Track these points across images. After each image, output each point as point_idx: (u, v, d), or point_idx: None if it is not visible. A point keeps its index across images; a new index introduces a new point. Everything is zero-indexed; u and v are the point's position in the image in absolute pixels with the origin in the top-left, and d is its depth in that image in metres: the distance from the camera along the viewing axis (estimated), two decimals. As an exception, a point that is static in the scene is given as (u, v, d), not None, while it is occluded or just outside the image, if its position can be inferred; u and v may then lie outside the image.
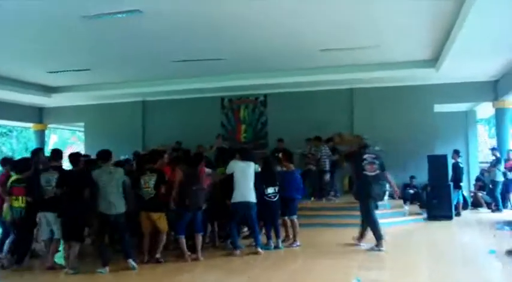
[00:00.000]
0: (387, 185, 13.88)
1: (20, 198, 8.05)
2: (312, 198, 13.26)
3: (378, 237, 8.99)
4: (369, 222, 9.19)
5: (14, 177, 8.28)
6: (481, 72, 14.06)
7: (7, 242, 8.41)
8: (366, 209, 9.20)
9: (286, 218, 9.72)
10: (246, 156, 9.17)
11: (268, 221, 9.42)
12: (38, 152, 9.40)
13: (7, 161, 9.26)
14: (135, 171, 9.21)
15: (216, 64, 13.02)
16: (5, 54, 11.73)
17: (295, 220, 9.73)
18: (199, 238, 8.52)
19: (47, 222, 7.93)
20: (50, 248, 8.08)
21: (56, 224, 7.86)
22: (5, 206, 8.26)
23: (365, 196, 9.24)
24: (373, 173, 9.21)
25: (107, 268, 7.60)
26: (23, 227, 8.15)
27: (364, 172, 9.20)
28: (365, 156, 9.34)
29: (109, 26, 9.67)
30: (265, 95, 16.95)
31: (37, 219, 8.02)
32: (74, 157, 8.31)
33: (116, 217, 7.76)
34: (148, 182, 8.22)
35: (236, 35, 10.64)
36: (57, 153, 8.48)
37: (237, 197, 8.82)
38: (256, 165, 9.41)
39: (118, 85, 15.74)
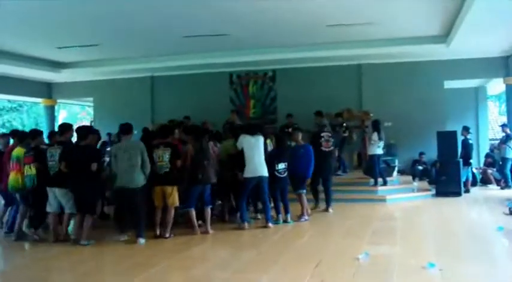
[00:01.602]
0: (396, 161, 14.05)
1: (31, 166, 8.16)
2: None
3: (329, 202, 10.65)
4: (326, 189, 10.74)
5: (24, 150, 8.39)
6: (492, 47, 13.92)
7: (18, 215, 8.56)
8: (326, 178, 10.63)
9: (296, 192, 9.79)
10: (254, 131, 9.20)
11: (278, 196, 9.48)
12: (53, 134, 9.47)
13: (15, 134, 9.38)
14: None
15: (224, 40, 12.97)
16: (14, 30, 11.72)
17: (303, 195, 9.80)
18: (208, 211, 8.61)
19: (54, 197, 8.03)
20: (53, 220, 8.19)
21: (65, 198, 7.94)
22: (12, 176, 8.36)
23: (322, 169, 10.33)
24: (328, 149, 10.64)
25: (125, 235, 7.90)
26: (34, 195, 8.25)
27: (321, 148, 10.47)
28: (322, 134, 10.65)
29: (115, 2, 9.65)
30: (274, 71, 16.91)
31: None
32: (81, 131, 8.35)
33: (128, 192, 7.79)
34: (163, 156, 8.18)
35: (241, 10, 10.59)
36: (62, 128, 8.48)
37: (249, 172, 8.88)
38: (268, 140, 9.74)
39: (127, 60, 15.75)
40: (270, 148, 9.80)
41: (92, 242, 7.82)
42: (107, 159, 9.46)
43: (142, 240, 7.78)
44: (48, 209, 8.15)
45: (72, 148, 8.10)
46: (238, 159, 9.05)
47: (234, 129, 10.11)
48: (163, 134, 8.61)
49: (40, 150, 8.28)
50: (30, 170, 8.18)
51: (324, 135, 10.68)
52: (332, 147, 10.79)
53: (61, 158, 7.87)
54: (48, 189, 8.05)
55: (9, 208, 9.10)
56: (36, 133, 8.78)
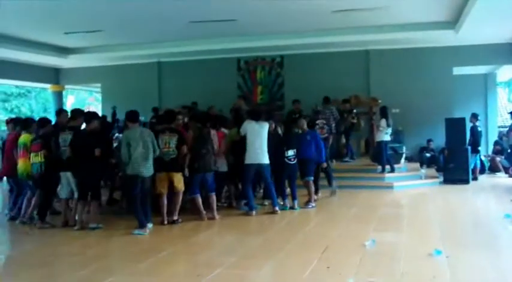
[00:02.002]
0: (403, 148, 14.00)
1: (39, 153, 8.15)
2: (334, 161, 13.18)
3: (332, 183, 10.78)
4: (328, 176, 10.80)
5: (30, 136, 8.43)
6: (503, 34, 13.73)
7: (25, 199, 8.61)
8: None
9: (303, 179, 9.79)
10: (259, 117, 9.18)
11: (285, 182, 9.49)
12: (60, 112, 9.53)
13: (17, 122, 9.42)
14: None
15: (232, 25, 12.89)
16: (21, 15, 11.70)
17: (311, 182, 9.78)
18: (213, 197, 8.63)
19: (68, 182, 8.08)
20: (64, 205, 8.32)
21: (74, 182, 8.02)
22: (21, 163, 8.42)
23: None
24: (323, 136, 10.75)
25: (146, 229, 7.63)
26: (42, 183, 8.28)
27: None
28: (317, 121, 10.82)
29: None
30: (281, 56, 16.84)
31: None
32: (87, 116, 8.36)
33: (144, 181, 7.72)
34: (169, 142, 8.08)
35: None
36: (74, 113, 8.54)
37: (249, 158, 8.89)
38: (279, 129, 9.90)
39: (133, 46, 15.68)
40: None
41: (100, 226, 7.88)
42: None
43: (150, 225, 7.78)
44: (61, 194, 8.25)
45: (79, 133, 8.14)
46: (242, 145, 9.03)
47: (239, 116, 10.07)
48: (168, 119, 8.55)
49: (48, 138, 8.32)
50: (37, 158, 8.18)
51: (319, 123, 10.85)
52: (327, 134, 10.99)
53: (70, 143, 7.95)
54: (61, 174, 8.12)
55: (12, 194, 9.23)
56: (45, 121, 8.78)
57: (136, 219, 7.66)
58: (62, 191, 8.22)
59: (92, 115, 8.51)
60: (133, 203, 7.81)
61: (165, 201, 8.16)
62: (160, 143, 8.03)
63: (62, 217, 8.32)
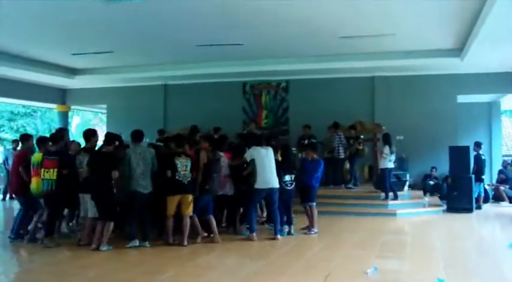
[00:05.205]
0: (407, 175, 13.96)
1: (51, 170, 8.18)
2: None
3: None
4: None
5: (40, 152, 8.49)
6: (507, 62, 13.78)
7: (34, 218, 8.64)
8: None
9: (306, 204, 9.75)
10: (261, 143, 9.25)
11: (282, 208, 9.47)
12: (63, 132, 9.61)
13: (28, 138, 9.35)
14: (165, 153, 8.97)
15: (238, 49, 13.02)
16: (30, 35, 11.86)
17: (314, 207, 9.74)
18: (212, 219, 8.67)
19: (84, 202, 8.19)
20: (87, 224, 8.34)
21: (91, 203, 8.07)
22: (34, 181, 8.41)
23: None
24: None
25: (136, 241, 7.94)
26: (51, 200, 8.29)
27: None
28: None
29: (131, 10, 9.75)
30: (287, 81, 16.91)
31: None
32: (109, 137, 8.47)
33: (142, 197, 7.92)
34: (186, 165, 8.26)
35: (254, 21, 10.67)
36: (87, 135, 8.53)
37: (260, 183, 8.86)
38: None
39: (140, 68, 15.85)
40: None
41: (110, 248, 7.88)
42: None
43: (147, 244, 7.96)
44: (82, 213, 8.38)
45: (97, 154, 8.20)
46: (242, 169, 9.10)
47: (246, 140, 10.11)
48: (178, 143, 8.61)
49: (67, 156, 8.41)
50: (48, 174, 8.19)
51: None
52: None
53: (88, 164, 8.00)
54: (80, 195, 8.24)
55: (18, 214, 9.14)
56: (58, 137, 8.77)
57: (129, 232, 8.02)
58: (83, 211, 8.33)
59: (114, 137, 8.71)
60: (129, 217, 8.11)
61: (171, 223, 8.24)
62: (179, 166, 8.21)
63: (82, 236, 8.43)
